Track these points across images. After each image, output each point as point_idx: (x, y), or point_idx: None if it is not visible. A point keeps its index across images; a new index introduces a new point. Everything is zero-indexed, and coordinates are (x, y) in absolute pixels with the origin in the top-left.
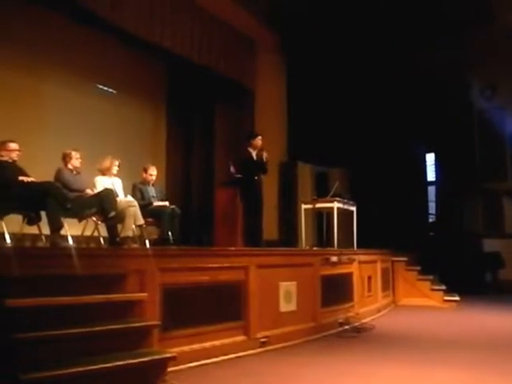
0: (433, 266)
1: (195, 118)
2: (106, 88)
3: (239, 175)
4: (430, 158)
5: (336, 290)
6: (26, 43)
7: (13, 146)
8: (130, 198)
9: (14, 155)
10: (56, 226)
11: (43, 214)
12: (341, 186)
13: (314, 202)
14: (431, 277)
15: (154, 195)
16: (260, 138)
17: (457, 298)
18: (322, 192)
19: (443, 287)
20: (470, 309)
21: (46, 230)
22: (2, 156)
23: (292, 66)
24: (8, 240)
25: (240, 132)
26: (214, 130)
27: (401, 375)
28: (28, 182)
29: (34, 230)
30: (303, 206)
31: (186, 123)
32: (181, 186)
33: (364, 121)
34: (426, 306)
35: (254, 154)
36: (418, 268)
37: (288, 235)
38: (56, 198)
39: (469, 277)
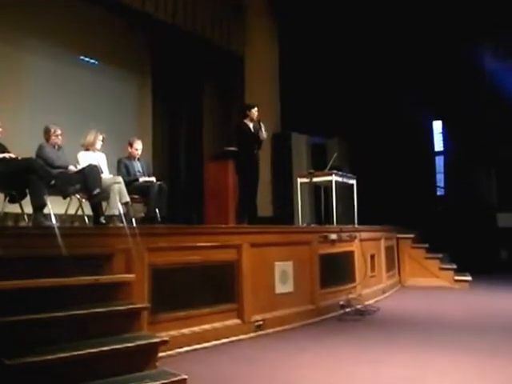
0: (442, 243)
1: (182, 88)
2: (88, 59)
3: (234, 148)
4: (438, 125)
5: (336, 270)
6: (2, 12)
7: None
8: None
9: None
10: (39, 205)
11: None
12: (339, 157)
13: (310, 175)
14: (440, 255)
15: (140, 170)
16: (256, 109)
17: (468, 278)
18: (318, 165)
19: (453, 266)
20: (483, 289)
21: (28, 209)
22: None
23: (284, 30)
24: None
25: (229, 102)
26: (201, 100)
27: (408, 361)
28: (9, 159)
29: (15, 208)
30: (299, 180)
31: (173, 94)
32: (168, 160)
33: (363, 86)
34: (434, 286)
35: (251, 126)
36: (426, 245)
37: (283, 212)
38: (39, 175)
39: (482, 254)
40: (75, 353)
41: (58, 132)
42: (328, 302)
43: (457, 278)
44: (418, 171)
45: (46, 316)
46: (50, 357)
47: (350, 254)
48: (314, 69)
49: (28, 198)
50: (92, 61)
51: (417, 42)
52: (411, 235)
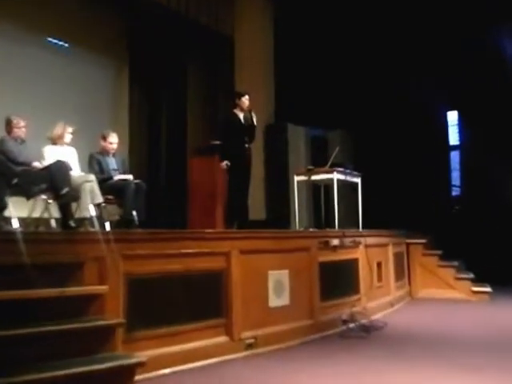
0: (458, 249)
1: (163, 74)
2: (58, 41)
3: (219, 142)
4: (453, 116)
5: (338, 280)
6: None
7: None
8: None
9: None
10: None
11: None
12: (342, 152)
13: (309, 172)
14: (456, 263)
15: (115, 167)
16: (247, 97)
17: (488, 289)
18: (318, 160)
19: (471, 275)
20: (505, 302)
21: None
22: None
23: (279, 8)
24: None
25: (217, 89)
26: (186, 88)
27: None
28: None
29: None
30: (296, 178)
31: (153, 81)
32: (147, 155)
33: (369, 72)
34: (449, 298)
35: (241, 116)
36: (440, 252)
37: (278, 214)
38: (0, 173)
39: (503, 262)
40: (38, 376)
41: (21, 124)
42: (329, 317)
43: (475, 289)
44: (430, 168)
45: (5, 334)
46: (14, 379)
47: (354, 262)
48: (314, 52)
49: None
50: (61, 43)
51: (429, 23)
52: (423, 240)
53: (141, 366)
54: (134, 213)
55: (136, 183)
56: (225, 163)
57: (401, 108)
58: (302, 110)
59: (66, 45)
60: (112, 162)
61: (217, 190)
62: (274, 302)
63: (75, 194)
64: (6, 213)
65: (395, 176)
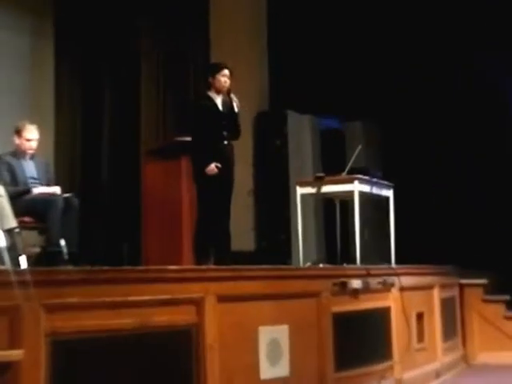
0: None
1: (104, 40)
2: None
3: (188, 138)
4: None
5: (361, 340)
6: None
7: None
8: None
9: None
10: None
11: None
12: (365, 152)
13: (318, 182)
14: None
15: (35, 175)
16: (227, 72)
17: None
18: (332, 164)
19: None
20: None
21: None
22: None
23: None
24: None
25: (185, 63)
26: (139, 61)
27: None
28: None
29: None
30: (299, 191)
31: (89, 50)
32: (82, 158)
33: (402, 38)
34: None
35: (218, 100)
36: (507, 298)
37: (273, 243)
38: None
39: None
40: None
41: None
42: None
43: None
44: (493, 174)
45: None
46: None
47: (384, 313)
48: (325, 12)
49: None
50: None
51: None
52: (483, 281)
53: None
54: (63, 242)
55: (65, 198)
56: (213, 165)
57: (447, 88)
58: (309, 92)
59: None
60: (30, 168)
61: (183, 208)
62: (268, 372)
63: None
64: None
65: (441, 187)
